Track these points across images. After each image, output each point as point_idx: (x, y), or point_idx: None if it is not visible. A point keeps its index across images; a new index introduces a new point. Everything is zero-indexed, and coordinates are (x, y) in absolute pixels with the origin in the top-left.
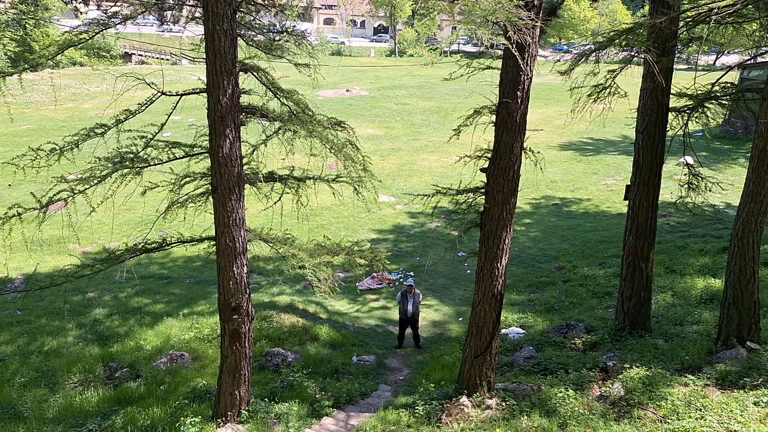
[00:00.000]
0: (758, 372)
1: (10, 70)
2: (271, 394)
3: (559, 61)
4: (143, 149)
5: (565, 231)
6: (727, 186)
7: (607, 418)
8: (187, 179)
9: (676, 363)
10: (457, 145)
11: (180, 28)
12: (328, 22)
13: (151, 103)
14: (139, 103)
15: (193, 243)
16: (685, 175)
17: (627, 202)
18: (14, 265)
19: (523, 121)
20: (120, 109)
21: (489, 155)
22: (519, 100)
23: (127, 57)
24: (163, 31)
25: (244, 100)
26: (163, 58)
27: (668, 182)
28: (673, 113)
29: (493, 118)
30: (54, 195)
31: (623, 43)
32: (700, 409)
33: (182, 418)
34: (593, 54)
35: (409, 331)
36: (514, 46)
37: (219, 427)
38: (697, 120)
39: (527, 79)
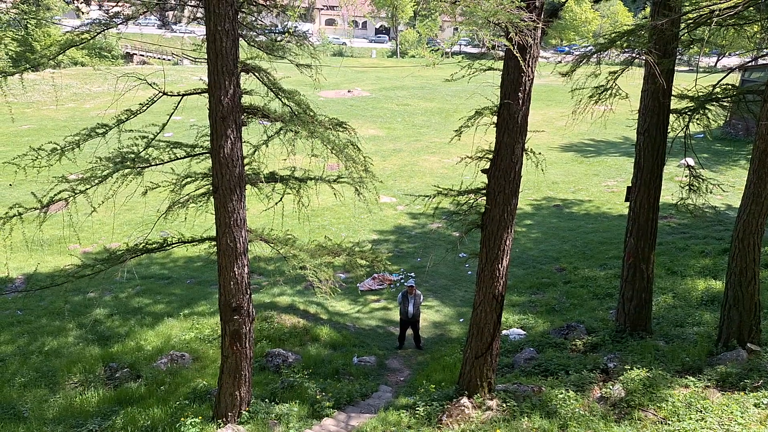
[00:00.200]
0: (759, 374)
1: (12, 70)
2: (272, 395)
3: (560, 62)
4: (144, 149)
5: (566, 232)
6: (727, 188)
7: (607, 419)
8: (189, 179)
9: (676, 364)
10: (459, 146)
11: (180, 28)
12: (330, 22)
13: (153, 103)
14: (140, 103)
15: (194, 243)
16: (686, 176)
17: (628, 203)
18: (15, 265)
19: (524, 123)
20: (121, 109)
21: (490, 156)
22: (520, 102)
23: (128, 57)
24: (164, 32)
25: (246, 100)
26: (164, 59)
27: (669, 184)
28: (674, 115)
29: (495, 119)
30: (55, 195)
31: (624, 45)
32: (701, 411)
33: (183, 419)
34: (594, 55)
35: (409, 332)
36: (515, 47)
37: (219, 427)
38: (698, 122)
39: (528, 80)
